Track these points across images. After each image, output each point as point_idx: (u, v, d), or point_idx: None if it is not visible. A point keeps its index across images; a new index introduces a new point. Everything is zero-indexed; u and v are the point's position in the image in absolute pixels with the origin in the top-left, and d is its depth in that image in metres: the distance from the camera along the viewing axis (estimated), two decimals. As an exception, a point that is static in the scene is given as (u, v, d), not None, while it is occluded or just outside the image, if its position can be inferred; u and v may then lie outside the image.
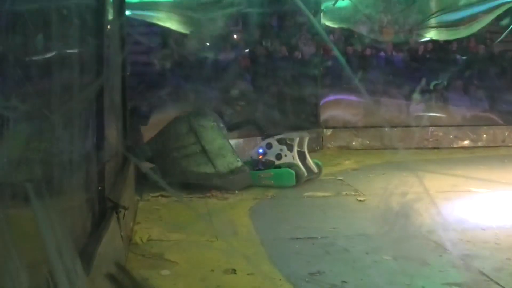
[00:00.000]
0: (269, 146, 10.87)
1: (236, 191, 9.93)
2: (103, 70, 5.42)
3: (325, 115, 15.81)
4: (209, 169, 10.22)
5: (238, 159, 10.41)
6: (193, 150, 10.43)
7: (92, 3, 5.28)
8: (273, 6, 15.61)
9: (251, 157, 10.98)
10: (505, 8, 16.38)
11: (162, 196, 9.27)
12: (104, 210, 5.36)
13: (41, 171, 3.14)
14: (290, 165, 10.65)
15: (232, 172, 10.26)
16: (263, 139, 11.30)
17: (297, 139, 10.94)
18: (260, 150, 10.89)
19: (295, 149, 10.87)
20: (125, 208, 5.86)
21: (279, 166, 10.67)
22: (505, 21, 17.10)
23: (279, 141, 10.89)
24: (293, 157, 10.77)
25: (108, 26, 6.10)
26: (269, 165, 10.69)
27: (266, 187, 10.30)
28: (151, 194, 9.39)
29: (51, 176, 3.50)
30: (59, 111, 3.71)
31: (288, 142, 10.92)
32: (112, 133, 6.88)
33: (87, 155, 4.92)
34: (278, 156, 10.79)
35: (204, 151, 10.35)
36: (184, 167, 10.24)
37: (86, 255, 3.94)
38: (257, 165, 10.74)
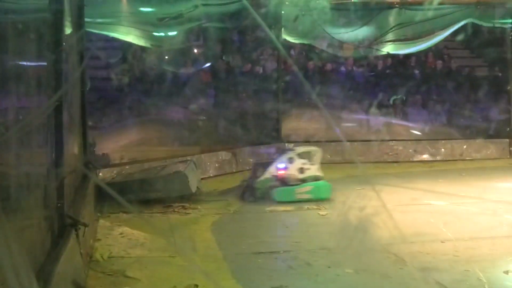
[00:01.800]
0: (290, 160, 10.80)
1: None
2: (61, 85, 5.35)
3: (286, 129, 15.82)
4: None
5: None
6: None
7: (49, 18, 5.21)
8: (234, 21, 15.62)
9: (271, 174, 10.67)
10: (461, 25, 16.69)
11: (123, 212, 9.15)
12: (63, 227, 5.26)
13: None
14: (316, 178, 10.69)
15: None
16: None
17: (319, 153, 11.02)
18: (282, 165, 10.74)
19: (318, 162, 10.92)
20: (85, 225, 5.76)
21: (304, 180, 10.62)
22: (460, 37, 17.47)
23: (300, 155, 10.89)
24: (316, 169, 10.82)
25: (66, 41, 6.03)
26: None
27: (228, 204, 10.27)
28: (112, 211, 9.25)
29: (7, 193, 3.43)
30: (16, 127, 3.64)
31: (308, 155, 10.94)
32: (72, 149, 6.79)
33: (45, 172, 4.84)
34: (301, 170, 10.74)
35: None
36: None
37: (44, 275, 3.87)
38: (284, 182, 10.52)
